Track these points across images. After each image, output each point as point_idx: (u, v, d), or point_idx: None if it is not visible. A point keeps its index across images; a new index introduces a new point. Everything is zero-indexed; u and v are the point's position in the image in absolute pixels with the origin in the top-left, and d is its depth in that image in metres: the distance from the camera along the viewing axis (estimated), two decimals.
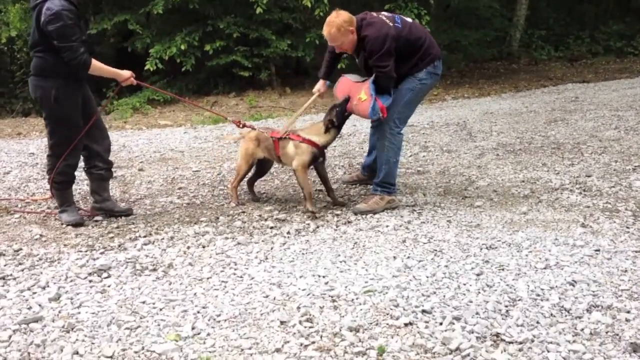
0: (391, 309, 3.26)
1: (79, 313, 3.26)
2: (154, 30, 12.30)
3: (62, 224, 4.81)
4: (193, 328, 3.09)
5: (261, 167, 5.46)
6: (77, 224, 4.79)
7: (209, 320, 3.18)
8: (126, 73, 4.78)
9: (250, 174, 5.47)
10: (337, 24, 4.75)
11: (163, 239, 4.46)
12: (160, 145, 8.04)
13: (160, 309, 3.31)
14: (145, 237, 4.50)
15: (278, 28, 12.52)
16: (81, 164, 4.98)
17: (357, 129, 8.52)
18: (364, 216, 4.87)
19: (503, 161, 6.63)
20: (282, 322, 3.14)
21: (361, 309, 3.27)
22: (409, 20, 5.02)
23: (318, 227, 4.67)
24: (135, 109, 11.36)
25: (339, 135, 5.23)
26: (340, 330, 3.05)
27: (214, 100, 11.96)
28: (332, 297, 3.42)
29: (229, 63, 12.08)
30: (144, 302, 3.39)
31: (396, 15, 4.96)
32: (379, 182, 5.06)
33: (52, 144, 4.75)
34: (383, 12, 4.96)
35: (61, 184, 4.83)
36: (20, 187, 6.06)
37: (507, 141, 7.57)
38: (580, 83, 12.84)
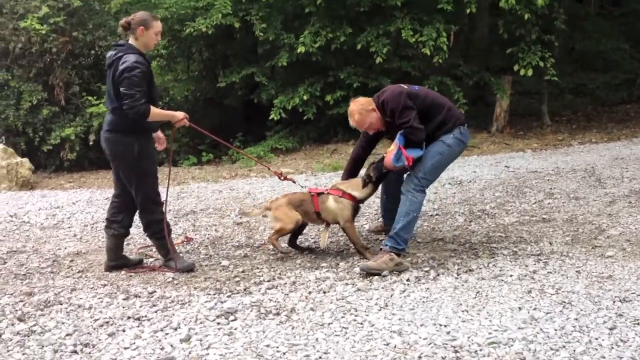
0: None
1: (208, 354, 3.40)
2: (278, 82, 12.84)
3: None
4: None
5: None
6: (190, 269, 4.92)
7: None
8: (179, 114, 4.83)
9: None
10: (357, 110, 5.00)
11: (286, 283, 4.57)
12: (283, 192, 8.26)
13: (284, 353, 3.39)
14: (269, 281, 4.63)
15: (397, 76, 12.61)
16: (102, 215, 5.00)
17: (477, 175, 8.38)
18: (485, 265, 4.76)
19: (636, 209, 6.26)
20: None
21: None
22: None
23: (438, 274, 4.61)
24: (259, 158, 11.81)
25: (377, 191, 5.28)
26: None
27: (334, 148, 12.20)
28: (454, 347, 3.36)
29: None
30: (268, 346, 3.48)
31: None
32: (394, 234, 4.80)
33: (141, 199, 4.82)
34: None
35: (166, 233, 4.96)
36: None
37: None
38: None
